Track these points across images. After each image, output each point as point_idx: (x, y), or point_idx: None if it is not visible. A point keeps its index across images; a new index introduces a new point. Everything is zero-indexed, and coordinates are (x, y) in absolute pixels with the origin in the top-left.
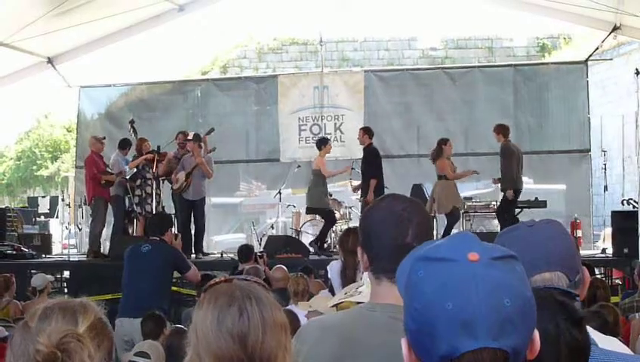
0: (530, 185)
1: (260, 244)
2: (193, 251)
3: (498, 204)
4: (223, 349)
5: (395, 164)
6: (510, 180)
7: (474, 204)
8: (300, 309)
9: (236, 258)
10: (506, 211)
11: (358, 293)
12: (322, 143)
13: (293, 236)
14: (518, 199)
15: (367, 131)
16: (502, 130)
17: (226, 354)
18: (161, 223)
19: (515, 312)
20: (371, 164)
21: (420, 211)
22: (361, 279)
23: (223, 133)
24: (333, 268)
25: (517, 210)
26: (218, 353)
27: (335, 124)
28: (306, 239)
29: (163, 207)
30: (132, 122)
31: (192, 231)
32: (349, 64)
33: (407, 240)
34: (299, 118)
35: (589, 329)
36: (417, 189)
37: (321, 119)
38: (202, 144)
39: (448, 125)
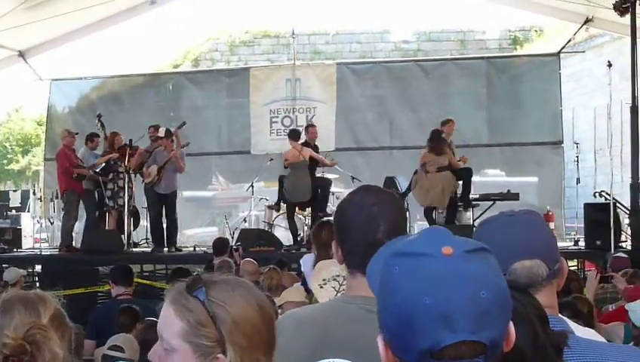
0: (502, 178)
1: (232, 238)
2: (166, 245)
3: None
4: None
5: (368, 156)
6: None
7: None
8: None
9: (210, 251)
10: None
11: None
12: (295, 135)
13: (266, 229)
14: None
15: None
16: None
17: None
18: (125, 273)
19: (491, 304)
20: None
21: (392, 205)
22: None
23: (195, 126)
24: (307, 262)
25: (489, 203)
26: None
27: (307, 116)
28: (279, 232)
29: (134, 201)
30: (99, 116)
31: (165, 225)
32: (322, 57)
33: (378, 236)
34: (270, 111)
35: (565, 319)
36: (390, 182)
37: (293, 111)
38: (174, 138)
39: (422, 118)
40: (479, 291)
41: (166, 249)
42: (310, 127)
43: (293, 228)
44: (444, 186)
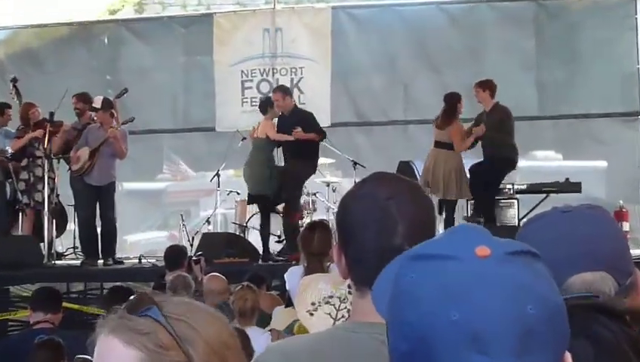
0: (558, 162)
1: (191, 246)
2: (101, 256)
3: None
4: None
5: (374, 134)
6: (510, 147)
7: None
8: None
9: (161, 263)
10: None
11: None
12: (268, 105)
13: (238, 233)
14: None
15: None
16: (490, 87)
17: None
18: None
19: (540, 322)
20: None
21: (414, 199)
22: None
23: (140, 95)
24: (293, 277)
25: (542, 196)
26: None
27: (292, 79)
28: (256, 237)
29: (58, 196)
30: (14, 81)
31: (99, 229)
32: None
33: (396, 241)
34: (242, 73)
35: None
36: (406, 168)
37: (273, 73)
38: (114, 112)
39: (447, 82)
40: (525, 304)
41: (101, 261)
42: (274, 92)
43: (265, 233)
44: (455, 171)
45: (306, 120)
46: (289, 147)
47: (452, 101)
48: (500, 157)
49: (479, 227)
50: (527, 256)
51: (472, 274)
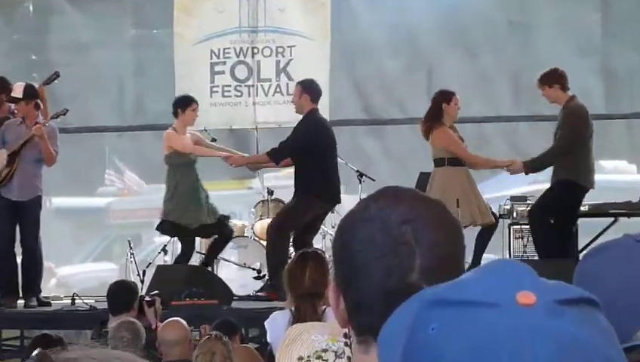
0: (631, 176)
1: (142, 282)
2: (22, 293)
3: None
4: None
5: (387, 136)
6: (572, 166)
7: (528, 209)
8: None
9: (102, 306)
10: (555, 215)
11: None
12: (182, 105)
13: (203, 266)
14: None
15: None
16: (558, 79)
17: None
18: None
19: None
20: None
21: (438, 221)
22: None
23: (76, 81)
24: (277, 324)
25: (610, 220)
26: None
27: (278, 62)
28: (228, 271)
29: None
30: None
31: (19, 259)
32: None
33: (412, 278)
34: (212, 52)
35: None
36: (427, 181)
37: (253, 54)
38: (40, 103)
39: (484, 67)
40: None
41: (22, 301)
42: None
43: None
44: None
45: (293, 131)
46: None
47: (436, 101)
48: (564, 178)
49: (522, 265)
50: (584, 304)
51: (511, 328)
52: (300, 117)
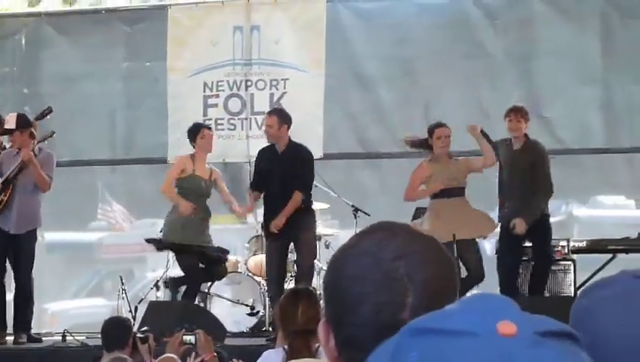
0: (630, 211)
1: (134, 318)
2: (13, 330)
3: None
4: None
5: (383, 169)
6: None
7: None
8: None
9: (95, 342)
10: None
11: None
12: (192, 135)
13: (197, 302)
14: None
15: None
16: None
17: None
18: None
19: None
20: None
21: (431, 257)
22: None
23: (67, 113)
24: None
25: (608, 256)
26: None
27: (272, 95)
28: (220, 307)
29: None
30: None
31: (10, 295)
32: None
33: (404, 316)
34: (205, 85)
35: None
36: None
37: (247, 86)
38: (34, 133)
39: (483, 99)
40: None
41: (11, 338)
42: (269, 114)
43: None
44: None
45: (302, 160)
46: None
47: (427, 133)
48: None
49: (504, 297)
50: (565, 339)
51: (491, 358)
52: None
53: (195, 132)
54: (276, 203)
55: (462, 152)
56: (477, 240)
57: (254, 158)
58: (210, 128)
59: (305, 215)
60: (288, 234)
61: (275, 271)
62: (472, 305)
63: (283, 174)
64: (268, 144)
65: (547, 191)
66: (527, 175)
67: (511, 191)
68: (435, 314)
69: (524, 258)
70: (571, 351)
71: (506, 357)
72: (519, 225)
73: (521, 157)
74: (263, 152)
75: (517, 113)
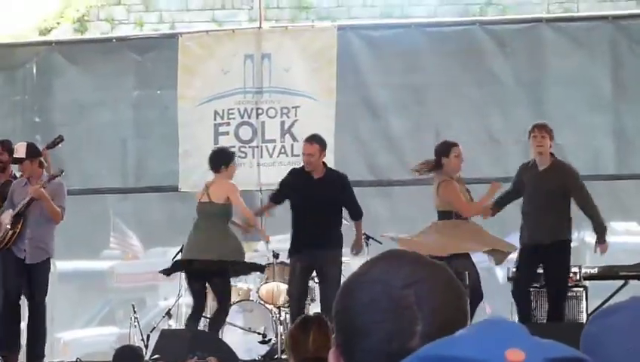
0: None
1: (146, 346)
2: (26, 359)
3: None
4: None
5: (395, 197)
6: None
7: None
8: None
9: None
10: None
11: None
12: (226, 159)
13: (210, 330)
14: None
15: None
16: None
17: None
18: None
19: None
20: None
21: (441, 286)
22: None
23: (79, 142)
24: None
25: (620, 282)
26: None
27: (283, 122)
28: (234, 335)
29: None
30: None
31: (25, 322)
32: (311, 15)
33: (413, 344)
34: (215, 113)
35: None
36: None
37: (257, 114)
38: (43, 162)
39: (493, 126)
40: None
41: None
42: (309, 142)
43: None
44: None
45: (345, 188)
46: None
47: (436, 153)
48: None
49: (514, 323)
50: None
51: None
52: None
53: (230, 158)
54: (309, 227)
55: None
56: (490, 264)
57: (265, 186)
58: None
59: (335, 247)
60: (314, 261)
61: (296, 292)
62: (481, 331)
63: (321, 200)
64: (297, 167)
65: (595, 207)
66: (552, 196)
67: (533, 211)
68: (444, 341)
69: (535, 285)
70: None
71: None
72: (603, 248)
73: (548, 178)
74: (296, 174)
75: (541, 129)
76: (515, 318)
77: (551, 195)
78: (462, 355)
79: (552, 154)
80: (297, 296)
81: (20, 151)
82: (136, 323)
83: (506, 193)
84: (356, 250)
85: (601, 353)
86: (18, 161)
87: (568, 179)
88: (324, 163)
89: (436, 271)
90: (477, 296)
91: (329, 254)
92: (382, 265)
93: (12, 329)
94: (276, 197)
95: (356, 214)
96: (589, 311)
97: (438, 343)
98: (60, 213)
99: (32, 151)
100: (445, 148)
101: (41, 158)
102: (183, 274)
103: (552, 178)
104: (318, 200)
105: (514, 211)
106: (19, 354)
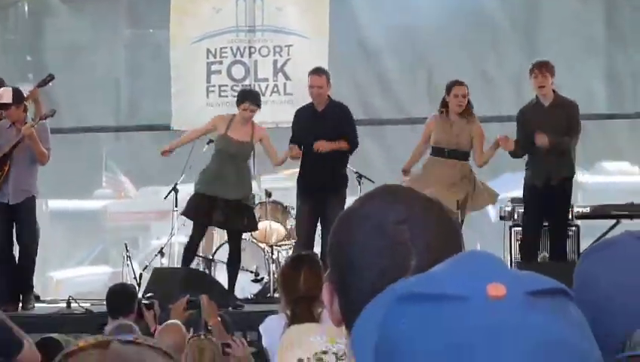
0: (634, 177)
1: (139, 285)
2: (18, 298)
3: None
4: None
5: (387, 136)
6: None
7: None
8: None
9: (100, 309)
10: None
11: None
12: (237, 102)
13: (201, 269)
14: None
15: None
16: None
17: None
18: None
19: None
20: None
21: (435, 220)
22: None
23: (71, 81)
24: (271, 328)
25: (611, 221)
26: None
27: (275, 61)
28: (224, 274)
29: None
30: None
31: (15, 262)
32: None
33: (407, 277)
34: (208, 52)
35: None
36: None
37: (250, 53)
38: (27, 105)
39: (487, 68)
40: None
41: (19, 305)
42: (315, 73)
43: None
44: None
45: (347, 119)
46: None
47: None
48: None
49: (492, 256)
50: (556, 296)
51: (481, 324)
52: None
53: (240, 101)
54: (315, 161)
55: None
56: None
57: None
58: (258, 105)
59: (339, 192)
60: (319, 203)
61: (304, 235)
62: (459, 265)
63: (324, 132)
64: (301, 106)
65: (576, 133)
66: (559, 131)
67: (539, 149)
68: (423, 277)
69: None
70: (563, 309)
71: (498, 324)
72: (540, 138)
73: (554, 113)
74: (301, 112)
75: (542, 67)
76: (508, 257)
77: (558, 130)
78: (442, 292)
79: (554, 91)
80: (304, 241)
81: (6, 96)
82: (128, 262)
83: (524, 139)
84: (324, 145)
85: (592, 286)
86: (4, 106)
87: (573, 111)
88: (328, 96)
89: (431, 207)
90: None
91: (333, 199)
92: (375, 200)
93: (2, 278)
94: (293, 141)
95: (351, 144)
96: (582, 250)
97: (417, 280)
98: (47, 155)
99: (18, 96)
100: (448, 87)
101: (25, 103)
102: (176, 214)
103: (559, 113)
104: (322, 132)
105: (503, 153)
106: (18, 304)
